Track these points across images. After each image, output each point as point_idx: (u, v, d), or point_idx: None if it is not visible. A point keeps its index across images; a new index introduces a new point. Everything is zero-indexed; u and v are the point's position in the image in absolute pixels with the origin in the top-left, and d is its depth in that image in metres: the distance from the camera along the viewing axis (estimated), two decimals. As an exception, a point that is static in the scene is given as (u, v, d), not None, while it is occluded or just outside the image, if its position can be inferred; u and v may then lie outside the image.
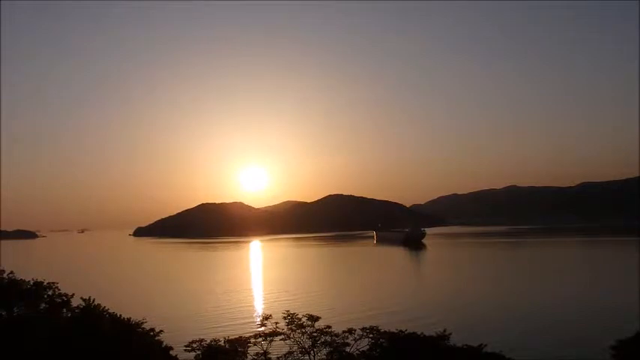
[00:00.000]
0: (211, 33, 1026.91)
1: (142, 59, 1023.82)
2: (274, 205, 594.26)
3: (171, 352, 32.04)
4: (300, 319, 28.85)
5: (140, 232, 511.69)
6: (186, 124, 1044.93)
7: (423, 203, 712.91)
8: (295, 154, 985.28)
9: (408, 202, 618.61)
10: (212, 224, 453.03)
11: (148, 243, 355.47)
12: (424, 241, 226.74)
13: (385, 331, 27.64)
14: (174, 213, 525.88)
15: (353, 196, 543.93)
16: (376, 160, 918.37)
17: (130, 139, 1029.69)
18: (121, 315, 31.04)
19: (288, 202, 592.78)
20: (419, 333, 27.14)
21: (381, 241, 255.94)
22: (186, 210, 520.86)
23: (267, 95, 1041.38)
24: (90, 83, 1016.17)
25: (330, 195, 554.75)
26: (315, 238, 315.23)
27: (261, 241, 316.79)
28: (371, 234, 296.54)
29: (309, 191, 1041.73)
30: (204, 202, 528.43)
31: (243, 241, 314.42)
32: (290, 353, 28.36)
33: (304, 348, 28.04)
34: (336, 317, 52.93)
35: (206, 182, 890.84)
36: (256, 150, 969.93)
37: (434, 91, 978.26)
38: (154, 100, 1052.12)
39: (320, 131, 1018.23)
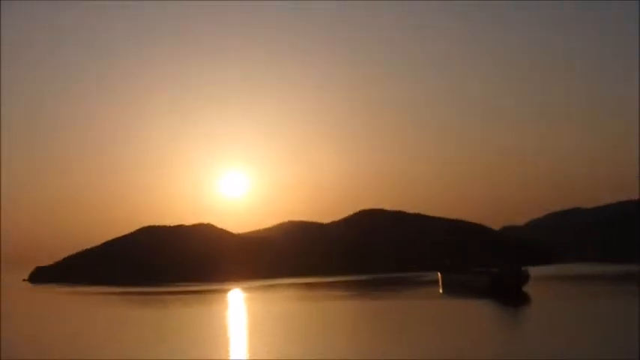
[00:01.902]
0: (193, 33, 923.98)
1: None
2: (266, 229, 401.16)
3: None
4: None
5: (40, 276, 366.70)
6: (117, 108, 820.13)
7: (521, 224, 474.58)
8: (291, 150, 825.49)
9: (495, 223, 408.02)
10: (161, 260, 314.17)
11: (51, 295, 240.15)
12: (527, 289, 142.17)
13: None
14: (100, 243, 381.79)
15: (403, 212, 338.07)
16: (432, 158, 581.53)
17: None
18: None
19: (289, 222, 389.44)
20: None
21: (451, 288, 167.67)
22: (119, 237, 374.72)
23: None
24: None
25: (360, 211, 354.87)
26: (337, 285, 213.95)
27: (246, 289, 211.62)
28: (433, 277, 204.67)
29: (323, 205, 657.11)
30: (149, 225, 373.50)
31: (214, 290, 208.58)
32: None
33: None
34: None
35: (152, 194, 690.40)
36: (237, 149, 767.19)
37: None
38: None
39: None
